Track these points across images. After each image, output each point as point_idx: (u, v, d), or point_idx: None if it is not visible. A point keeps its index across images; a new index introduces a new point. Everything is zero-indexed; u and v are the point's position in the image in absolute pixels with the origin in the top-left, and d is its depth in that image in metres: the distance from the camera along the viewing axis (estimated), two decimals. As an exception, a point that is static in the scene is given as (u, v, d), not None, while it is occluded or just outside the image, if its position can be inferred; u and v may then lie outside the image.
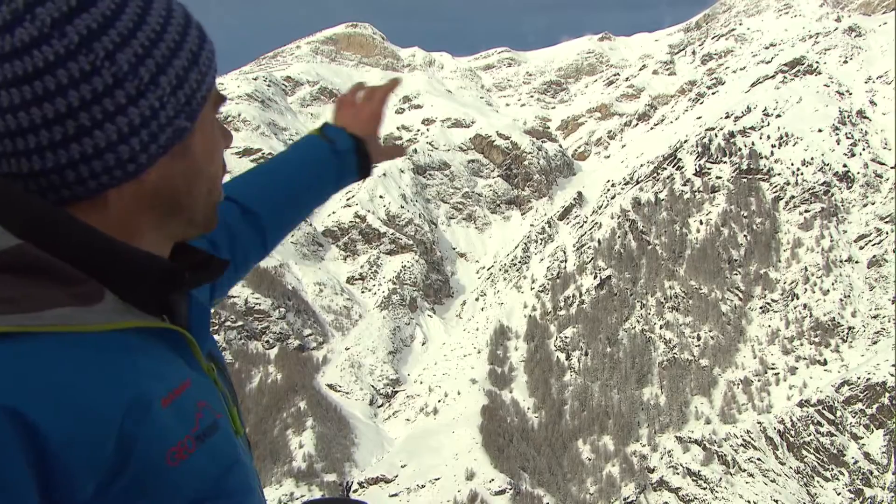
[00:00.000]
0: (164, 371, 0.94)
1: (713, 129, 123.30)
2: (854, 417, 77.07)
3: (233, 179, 1.59)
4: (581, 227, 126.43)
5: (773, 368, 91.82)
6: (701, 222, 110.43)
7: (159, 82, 0.92)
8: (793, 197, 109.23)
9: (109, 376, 0.86)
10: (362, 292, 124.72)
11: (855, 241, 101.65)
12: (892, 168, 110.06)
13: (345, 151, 1.73)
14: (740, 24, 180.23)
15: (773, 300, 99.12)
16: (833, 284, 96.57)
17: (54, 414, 0.81)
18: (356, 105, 1.84)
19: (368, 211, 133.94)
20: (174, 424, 0.92)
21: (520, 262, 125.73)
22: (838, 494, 73.69)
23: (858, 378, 78.88)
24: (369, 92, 1.86)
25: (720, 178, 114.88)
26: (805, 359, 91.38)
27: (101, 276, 0.92)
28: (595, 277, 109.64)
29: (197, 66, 0.97)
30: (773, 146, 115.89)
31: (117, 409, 0.85)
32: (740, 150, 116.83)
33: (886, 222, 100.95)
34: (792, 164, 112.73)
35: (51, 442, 0.80)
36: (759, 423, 78.41)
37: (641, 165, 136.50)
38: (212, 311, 1.32)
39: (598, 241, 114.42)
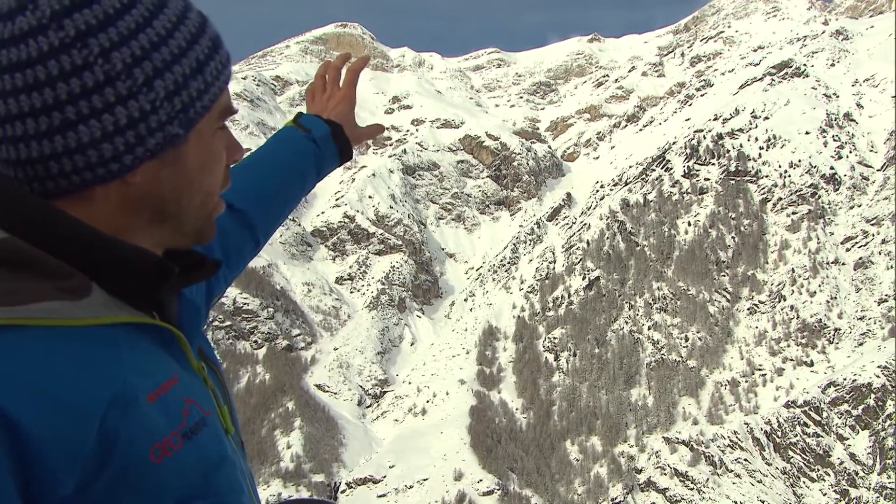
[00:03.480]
0: (152, 367, 0.93)
1: (701, 130, 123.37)
2: (840, 418, 77.02)
3: None
4: (570, 228, 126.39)
5: (760, 369, 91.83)
6: (689, 224, 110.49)
7: (154, 86, 0.92)
8: (780, 199, 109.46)
9: (92, 370, 0.86)
10: (351, 292, 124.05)
11: (842, 244, 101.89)
12: (878, 171, 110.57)
13: (322, 139, 1.73)
14: (729, 27, 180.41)
15: (760, 302, 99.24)
16: (820, 286, 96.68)
17: (33, 407, 0.80)
18: (326, 91, 1.83)
19: (357, 211, 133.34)
20: (160, 421, 0.91)
21: (508, 262, 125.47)
22: (824, 495, 73.71)
23: (844, 379, 78.86)
24: (335, 74, 1.84)
25: (708, 179, 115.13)
26: (792, 360, 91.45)
27: (88, 270, 0.92)
28: (584, 278, 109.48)
29: (201, 76, 0.97)
30: (761, 148, 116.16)
31: (99, 403, 0.85)
32: (728, 151, 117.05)
33: (872, 224, 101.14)
34: (779, 167, 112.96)
35: (30, 435, 0.80)
36: (745, 423, 78.45)
37: (630, 167, 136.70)
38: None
39: (587, 242, 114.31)
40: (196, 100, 0.96)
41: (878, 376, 77.28)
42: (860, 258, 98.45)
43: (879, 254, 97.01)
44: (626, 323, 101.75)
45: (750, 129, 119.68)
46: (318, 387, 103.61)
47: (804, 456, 75.86)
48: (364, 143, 1.69)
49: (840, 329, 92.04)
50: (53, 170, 0.91)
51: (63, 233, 0.91)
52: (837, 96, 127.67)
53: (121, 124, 0.90)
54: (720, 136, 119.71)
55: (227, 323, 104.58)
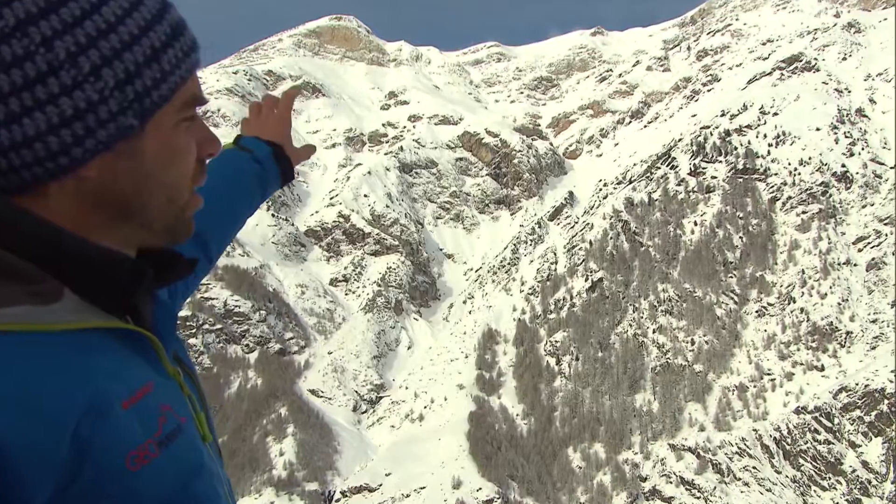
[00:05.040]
0: (126, 373, 0.94)
1: (708, 127, 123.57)
2: (852, 425, 76.47)
3: None
4: (572, 227, 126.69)
5: (769, 374, 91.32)
6: (695, 223, 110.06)
7: (101, 74, 0.90)
8: (790, 198, 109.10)
9: (65, 377, 0.86)
10: (346, 294, 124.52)
11: (853, 244, 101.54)
12: (891, 168, 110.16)
13: (265, 158, 1.80)
14: (737, 20, 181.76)
15: (769, 304, 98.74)
16: (831, 288, 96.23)
17: (4, 415, 0.80)
18: (262, 116, 1.91)
19: (352, 210, 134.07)
20: (135, 428, 0.91)
21: (509, 263, 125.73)
22: (835, 504, 73.13)
23: (857, 384, 78.39)
24: (270, 101, 1.93)
25: (715, 177, 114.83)
26: (802, 364, 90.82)
27: (60, 274, 0.92)
28: (586, 280, 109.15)
29: (157, 64, 0.95)
30: (770, 145, 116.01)
31: (72, 411, 0.85)
32: (736, 149, 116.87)
33: (886, 224, 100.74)
34: (789, 164, 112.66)
35: (1, 443, 0.80)
36: (754, 430, 78.04)
37: (634, 164, 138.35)
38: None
39: (590, 243, 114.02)
40: (152, 89, 0.95)
41: (891, 381, 76.51)
42: (873, 259, 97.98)
43: (893, 254, 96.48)
44: (630, 326, 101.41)
45: (758, 125, 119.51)
46: (312, 392, 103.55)
47: (815, 464, 75.23)
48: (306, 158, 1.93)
49: (852, 332, 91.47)
50: (2, 165, 0.90)
51: (31, 235, 0.91)
52: (849, 91, 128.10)
53: (66, 115, 0.89)
54: (727, 133, 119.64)
55: (218, 326, 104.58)
